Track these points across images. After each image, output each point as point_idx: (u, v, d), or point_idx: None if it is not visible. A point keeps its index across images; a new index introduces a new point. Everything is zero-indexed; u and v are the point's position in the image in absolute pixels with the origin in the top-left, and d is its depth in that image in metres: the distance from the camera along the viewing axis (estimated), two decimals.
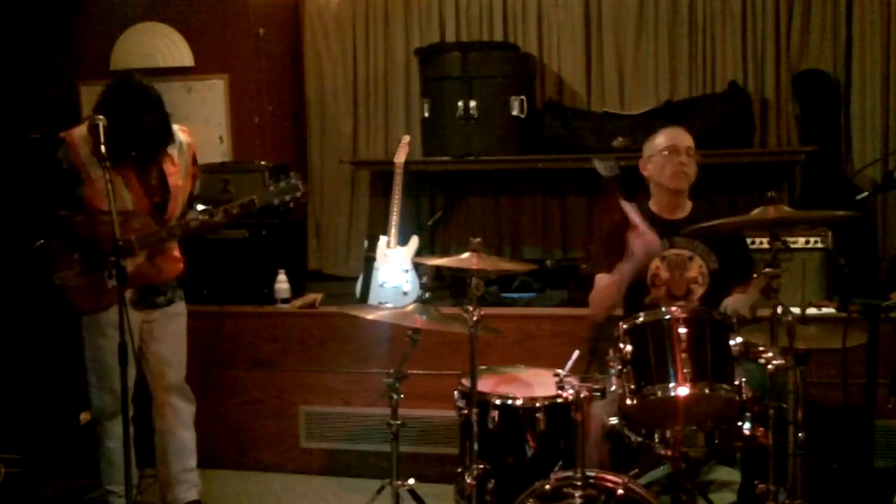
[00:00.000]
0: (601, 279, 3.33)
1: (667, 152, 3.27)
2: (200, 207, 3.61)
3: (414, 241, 4.54)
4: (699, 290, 3.21)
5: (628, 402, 2.61)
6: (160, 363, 3.57)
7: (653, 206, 3.36)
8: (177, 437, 3.61)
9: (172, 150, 3.47)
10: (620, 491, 2.52)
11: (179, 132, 3.53)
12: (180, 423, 3.63)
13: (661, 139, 3.32)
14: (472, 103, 4.91)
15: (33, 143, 4.45)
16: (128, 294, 3.31)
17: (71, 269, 3.38)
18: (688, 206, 3.36)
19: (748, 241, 3.50)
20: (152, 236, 3.37)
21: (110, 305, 3.32)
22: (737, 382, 2.58)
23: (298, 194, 3.45)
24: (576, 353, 3.03)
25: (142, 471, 3.90)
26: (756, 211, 2.65)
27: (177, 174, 3.47)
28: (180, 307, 3.62)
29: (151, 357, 3.56)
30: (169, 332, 3.59)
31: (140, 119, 3.27)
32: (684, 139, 3.30)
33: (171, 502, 3.65)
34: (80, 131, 3.28)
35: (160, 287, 3.53)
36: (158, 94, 3.36)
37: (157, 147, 3.38)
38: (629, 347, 2.65)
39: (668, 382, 2.57)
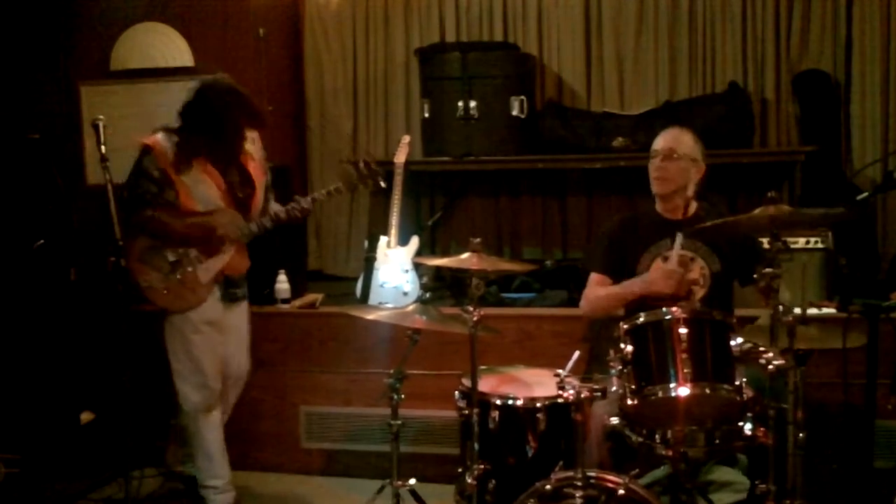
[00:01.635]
0: (595, 279, 3.36)
1: (652, 157, 3.27)
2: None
3: (414, 242, 4.54)
4: (700, 292, 3.20)
5: (629, 402, 2.61)
6: (231, 357, 3.68)
7: (657, 207, 3.35)
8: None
9: (248, 147, 3.58)
10: (621, 491, 2.52)
11: None
12: (226, 410, 3.76)
13: (655, 141, 3.31)
14: (472, 103, 4.91)
15: (33, 143, 4.45)
16: (215, 288, 3.53)
17: (159, 269, 3.46)
18: (692, 206, 3.33)
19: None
20: (242, 233, 3.51)
21: (200, 302, 3.49)
22: (737, 382, 2.58)
23: (379, 178, 3.63)
24: (576, 354, 3.03)
25: (142, 470, 3.91)
26: (756, 211, 2.65)
27: (257, 168, 3.61)
28: (246, 303, 3.76)
29: (236, 349, 3.69)
30: (242, 327, 3.72)
31: (220, 122, 3.40)
32: (668, 141, 3.26)
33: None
34: (160, 137, 3.45)
35: (238, 280, 3.64)
36: (240, 96, 3.45)
37: (235, 149, 3.50)
38: (630, 347, 2.65)
39: (669, 382, 2.57)
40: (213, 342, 3.56)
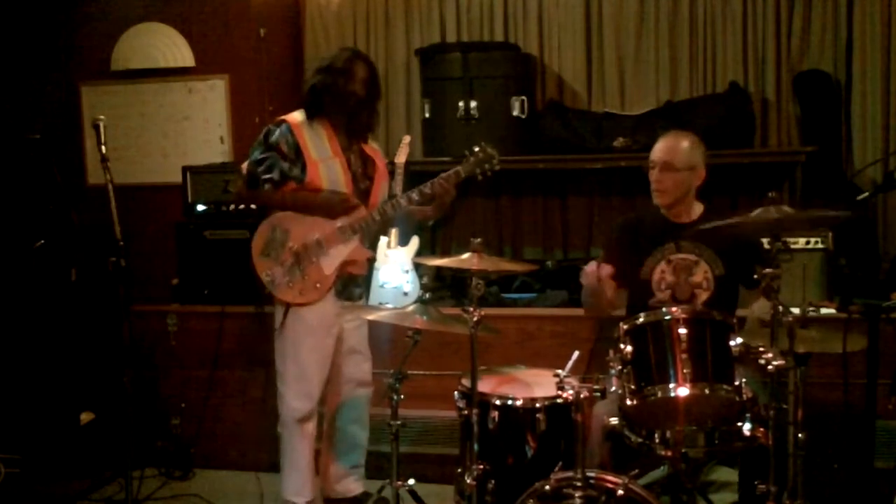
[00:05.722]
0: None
1: (650, 166, 3.26)
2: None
3: (414, 242, 4.54)
4: (704, 295, 3.18)
5: (628, 402, 2.61)
6: (358, 358, 3.61)
7: (661, 209, 3.33)
8: (348, 433, 3.63)
9: (372, 143, 3.62)
10: (621, 491, 2.52)
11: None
12: (358, 419, 3.66)
13: (654, 149, 3.30)
14: (473, 104, 4.91)
15: (33, 143, 4.46)
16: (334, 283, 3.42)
17: (282, 263, 3.39)
18: (697, 208, 3.31)
19: None
20: (366, 221, 3.43)
21: (317, 299, 3.38)
22: (737, 383, 2.58)
23: (495, 162, 3.48)
24: (576, 354, 3.02)
25: (142, 470, 3.92)
26: (757, 211, 2.64)
27: (381, 162, 3.60)
28: (364, 303, 3.70)
29: (348, 352, 3.58)
30: (364, 327, 3.62)
31: (350, 89, 3.42)
32: (664, 152, 3.24)
33: (340, 494, 3.67)
34: (299, 116, 3.45)
35: (358, 279, 3.58)
36: (372, 71, 3.53)
37: (364, 122, 3.52)
38: (629, 348, 2.65)
39: (669, 383, 2.57)
40: (325, 348, 3.45)
